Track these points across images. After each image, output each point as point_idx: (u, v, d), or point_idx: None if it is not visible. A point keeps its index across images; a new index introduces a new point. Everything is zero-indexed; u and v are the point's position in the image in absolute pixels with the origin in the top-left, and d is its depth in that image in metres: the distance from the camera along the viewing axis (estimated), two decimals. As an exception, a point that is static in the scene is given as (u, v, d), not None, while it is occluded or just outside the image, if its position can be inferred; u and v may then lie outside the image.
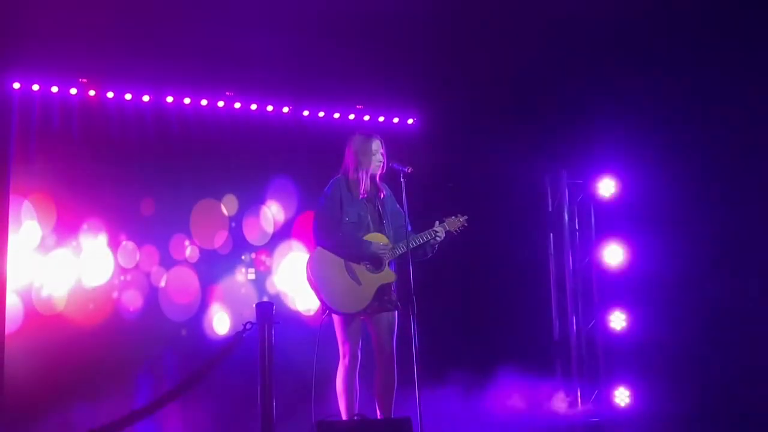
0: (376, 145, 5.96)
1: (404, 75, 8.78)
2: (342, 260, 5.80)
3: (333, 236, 5.81)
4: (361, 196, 5.90)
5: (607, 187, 9.31)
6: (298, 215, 8.99)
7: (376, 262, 5.80)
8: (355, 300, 5.76)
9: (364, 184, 5.91)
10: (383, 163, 5.96)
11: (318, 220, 5.92)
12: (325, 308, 5.83)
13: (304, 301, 8.62)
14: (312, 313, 8.27)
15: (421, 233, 5.93)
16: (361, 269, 5.78)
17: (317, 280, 5.82)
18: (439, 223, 5.97)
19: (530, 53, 8.42)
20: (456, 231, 6.03)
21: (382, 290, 5.80)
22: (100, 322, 8.22)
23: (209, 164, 8.71)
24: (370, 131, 6.15)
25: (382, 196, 5.98)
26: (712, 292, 8.18)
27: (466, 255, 8.77)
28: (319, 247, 5.90)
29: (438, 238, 5.92)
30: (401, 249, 5.83)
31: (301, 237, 8.88)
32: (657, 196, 8.67)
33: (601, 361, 9.18)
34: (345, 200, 5.89)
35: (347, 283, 5.77)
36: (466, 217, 6.08)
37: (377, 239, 5.84)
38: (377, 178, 6.00)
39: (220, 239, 8.77)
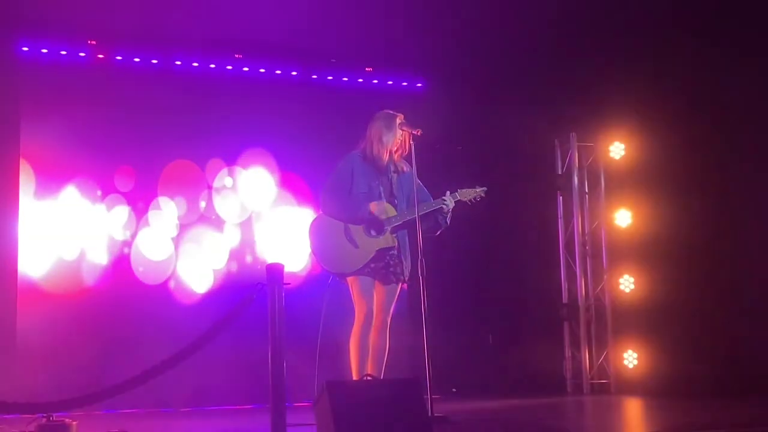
0: (401, 123, 5.97)
1: (413, 39, 8.74)
2: (342, 225, 5.84)
3: (333, 201, 5.85)
4: (370, 167, 5.91)
5: (616, 149, 9.29)
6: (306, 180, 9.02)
7: (376, 227, 5.81)
8: (350, 261, 5.80)
9: (385, 159, 5.93)
10: (403, 142, 5.97)
11: (324, 189, 5.97)
12: (326, 272, 5.89)
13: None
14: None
15: (430, 202, 5.92)
16: (359, 233, 5.81)
17: (315, 243, 5.91)
18: (450, 193, 5.94)
19: (541, 16, 8.36)
20: (470, 201, 5.99)
21: (383, 255, 5.80)
22: (111, 283, 8.29)
23: (219, 126, 8.73)
24: (394, 109, 6.11)
25: (402, 171, 5.98)
26: (720, 254, 8.19)
27: (474, 217, 8.78)
28: (320, 213, 5.97)
29: (446, 207, 5.89)
30: (404, 217, 5.83)
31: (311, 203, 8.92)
32: (667, 159, 8.65)
33: (610, 323, 9.22)
34: (357, 172, 5.91)
35: (343, 245, 5.82)
36: (484, 188, 6.02)
37: (381, 208, 5.85)
38: (399, 155, 6.00)
39: (229, 201, 8.82)
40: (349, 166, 5.96)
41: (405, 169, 6.02)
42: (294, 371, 5.37)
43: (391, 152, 5.99)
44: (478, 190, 5.99)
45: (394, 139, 5.97)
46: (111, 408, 5.99)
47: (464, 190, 5.96)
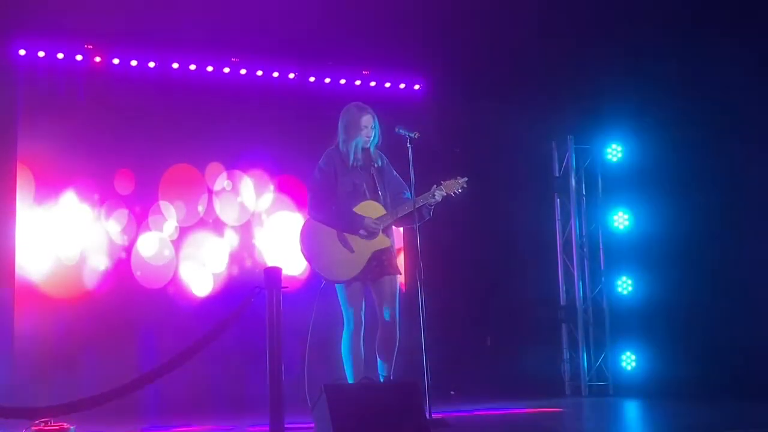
0: (366, 120, 5.87)
1: (410, 41, 8.74)
2: (334, 231, 5.80)
3: (325, 209, 5.80)
4: (352, 166, 5.86)
5: (614, 152, 9.30)
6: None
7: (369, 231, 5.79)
8: (347, 268, 5.75)
9: (355, 155, 5.87)
10: (372, 137, 5.89)
11: (311, 193, 5.92)
12: (323, 280, 5.85)
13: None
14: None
15: (418, 197, 5.87)
16: (353, 237, 5.77)
17: (309, 251, 5.83)
18: (437, 187, 5.91)
19: (538, 19, 8.37)
20: (454, 193, 5.95)
21: (378, 255, 5.78)
22: (111, 287, 8.29)
23: (218, 129, 8.74)
24: (363, 103, 6.02)
25: (377, 165, 5.93)
26: (717, 256, 8.21)
27: (472, 220, 8.79)
28: (309, 219, 5.90)
29: (433, 200, 5.86)
30: (395, 215, 5.81)
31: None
32: (664, 161, 8.68)
33: (608, 325, 9.22)
34: (339, 170, 5.86)
35: (339, 251, 5.76)
36: (465, 178, 5.98)
37: (371, 208, 5.82)
38: (374, 148, 5.95)
39: (228, 204, 8.83)
40: (332, 164, 5.88)
41: (382, 161, 5.98)
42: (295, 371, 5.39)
43: (364, 147, 5.93)
44: (460, 181, 5.95)
45: (362, 135, 5.89)
46: (110, 415, 5.98)
47: (448, 183, 5.92)
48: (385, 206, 5.86)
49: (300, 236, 5.88)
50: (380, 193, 5.89)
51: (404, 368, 6.15)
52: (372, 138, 5.88)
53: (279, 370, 5.14)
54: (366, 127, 5.86)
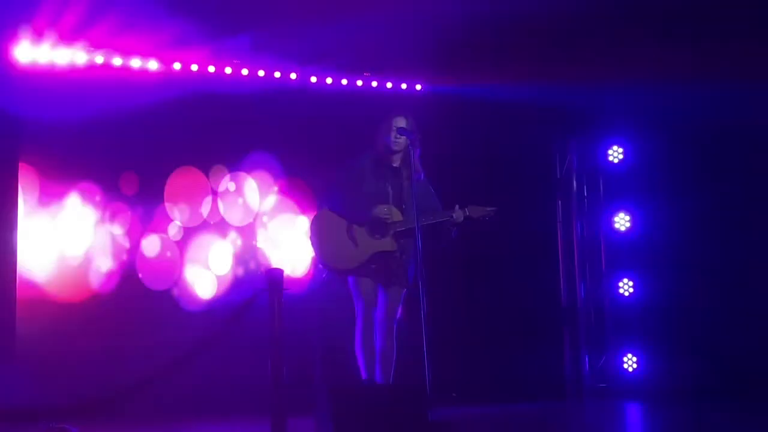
0: (398, 122, 5.95)
1: (411, 41, 8.76)
2: (345, 223, 5.85)
3: (337, 195, 5.86)
4: (382, 170, 5.92)
5: (615, 153, 9.30)
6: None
7: (379, 229, 5.81)
8: (346, 258, 5.82)
9: (383, 156, 5.94)
10: (402, 142, 5.90)
11: (333, 183, 5.98)
12: (319, 265, 5.93)
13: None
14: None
15: (437, 213, 5.89)
16: (361, 233, 5.82)
17: (315, 238, 5.93)
18: (459, 207, 5.91)
19: (539, 20, 8.38)
20: (479, 219, 5.95)
21: (383, 258, 5.80)
22: (114, 289, 8.32)
23: (219, 132, 8.75)
24: (404, 110, 6.10)
25: (411, 176, 5.95)
26: (718, 258, 8.21)
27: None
28: (324, 208, 5.97)
29: (453, 220, 5.85)
30: (411, 223, 5.82)
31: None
32: (665, 162, 8.68)
33: (609, 327, 9.22)
34: (367, 172, 5.93)
35: (343, 241, 5.83)
36: (494, 208, 5.99)
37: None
38: (414, 157, 5.97)
39: (232, 206, 8.86)
40: (360, 164, 5.97)
41: (418, 174, 6.01)
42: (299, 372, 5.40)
43: (395, 150, 5.95)
44: (488, 209, 5.97)
45: (390, 142, 5.93)
46: (112, 417, 6.01)
47: (474, 207, 5.95)
48: (405, 214, 5.89)
49: (311, 224, 6.01)
50: (404, 203, 5.91)
51: (406, 370, 6.18)
52: (402, 142, 5.89)
53: (281, 372, 5.16)
54: (396, 129, 5.91)
